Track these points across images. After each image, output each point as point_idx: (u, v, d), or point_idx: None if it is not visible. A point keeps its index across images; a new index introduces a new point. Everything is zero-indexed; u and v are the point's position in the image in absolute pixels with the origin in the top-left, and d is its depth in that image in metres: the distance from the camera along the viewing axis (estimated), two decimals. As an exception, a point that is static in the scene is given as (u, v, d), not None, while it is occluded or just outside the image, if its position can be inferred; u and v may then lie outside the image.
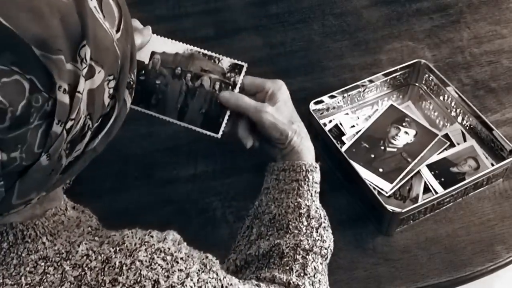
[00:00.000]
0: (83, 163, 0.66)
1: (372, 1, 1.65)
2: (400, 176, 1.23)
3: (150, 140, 1.34)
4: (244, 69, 1.00)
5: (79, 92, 0.58)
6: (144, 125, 1.35)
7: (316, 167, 0.99)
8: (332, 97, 1.32)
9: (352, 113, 1.36)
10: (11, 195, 0.60)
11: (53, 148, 0.59)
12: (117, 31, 0.64)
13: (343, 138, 1.31)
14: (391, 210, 1.11)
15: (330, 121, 1.34)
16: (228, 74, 1.01)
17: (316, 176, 0.98)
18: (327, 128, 1.31)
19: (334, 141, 1.22)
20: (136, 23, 1.02)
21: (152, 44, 1.03)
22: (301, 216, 0.94)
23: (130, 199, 1.24)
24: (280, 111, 0.98)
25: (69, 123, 0.59)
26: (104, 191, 1.24)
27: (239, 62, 1.01)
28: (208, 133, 1.01)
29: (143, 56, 1.03)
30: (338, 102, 1.34)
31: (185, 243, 0.77)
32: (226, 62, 1.01)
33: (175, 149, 1.33)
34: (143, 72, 1.03)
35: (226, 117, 1.00)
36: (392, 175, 1.23)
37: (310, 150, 1.00)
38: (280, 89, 1.00)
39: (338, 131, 1.33)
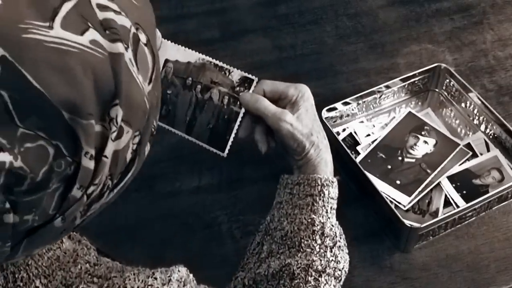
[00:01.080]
0: (92, 216, 0.65)
1: (388, 1, 1.66)
2: (419, 189, 1.24)
3: (152, 150, 1.33)
4: (254, 84, 1.02)
5: (105, 156, 0.57)
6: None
7: (332, 182, 0.99)
8: (346, 104, 1.33)
9: (367, 121, 1.37)
10: (16, 252, 0.59)
11: (69, 211, 0.58)
12: (149, 83, 0.61)
13: (358, 148, 1.32)
14: (409, 225, 1.12)
15: (344, 130, 1.35)
16: (238, 88, 1.02)
17: (333, 191, 0.99)
18: (340, 137, 1.32)
19: (348, 151, 1.22)
20: None
21: (166, 52, 1.05)
22: (315, 233, 0.94)
23: (130, 213, 1.25)
24: (300, 119, 0.99)
25: (91, 188, 0.58)
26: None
27: (250, 76, 1.02)
28: (214, 150, 1.04)
29: None
30: (353, 109, 1.35)
31: (192, 280, 0.77)
32: (236, 74, 1.03)
33: (178, 159, 1.34)
34: None
35: (233, 135, 1.02)
36: (410, 188, 1.24)
37: (327, 164, 1.01)
38: (304, 95, 1.01)
39: (352, 141, 1.33)
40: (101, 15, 0.55)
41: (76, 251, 0.73)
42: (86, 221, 0.64)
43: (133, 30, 0.58)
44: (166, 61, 1.05)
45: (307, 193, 0.97)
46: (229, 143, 1.02)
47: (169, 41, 1.05)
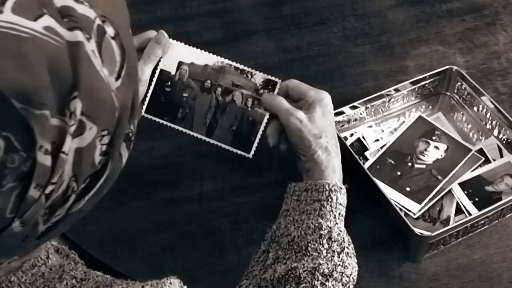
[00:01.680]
0: (64, 226, 0.63)
1: (397, 1, 1.66)
2: (430, 196, 1.24)
3: (151, 156, 1.36)
4: (278, 86, 1.06)
5: (64, 152, 0.55)
6: (145, 139, 1.36)
7: (341, 188, 1.01)
8: (354, 107, 1.33)
9: (376, 126, 1.37)
10: None
11: (28, 214, 0.56)
12: (117, 78, 0.59)
13: (366, 153, 1.32)
14: (419, 234, 1.12)
15: (352, 135, 1.35)
16: (261, 91, 1.06)
17: (341, 197, 1.00)
18: (348, 142, 1.32)
19: (356, 156, 1.23)
20: (153, 34, 1.06)
21: (179, 54, 1.08)
22: (322, 237, 0.96)
23: (129, 221, 1.26)
24: (312, 120, 1.02)
25: (49, 188, 0.55)
26: (100, 212, 1.25)
27: (273, 78, 1.06)
28: (239, 152, 1.07)
29: (170, 66, 1.08)
30: (361, 114, 1.35)
31: None
32: (259, 77, 1.07)
33: (178, 165, 1.35)
34: (170, 83, 1.08)
35: (259, 136, 1.06)
36: (420, 195, 1.24)
37: (335, 170, 1.03)
38: (322, 101, 1.04)
39: (360, 146, 1.34)
40: (59, 2, 0.54)
41: (63, 266, 0.72)
42: (56, 230, 0.62)
43: (98, 21, 0.57)
44: (180, 63, 1.08)
45: (314, 199, 0.99)
46: (255, 144, 1.06)
47: (182, 43, 1.08)
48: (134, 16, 1.65)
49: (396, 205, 1.19)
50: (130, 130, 0.65)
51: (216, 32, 1.60)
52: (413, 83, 1.36)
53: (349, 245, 0.98)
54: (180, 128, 1.09)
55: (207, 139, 1.08)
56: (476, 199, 1.24)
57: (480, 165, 1.29)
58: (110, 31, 0.59)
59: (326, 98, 1.05)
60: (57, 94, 0.53)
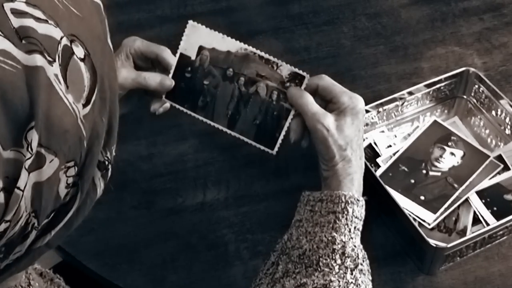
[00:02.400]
0: (30, 261, 0.61)
1: (411, -2, 1.67)
2: (445, 205, 1.25)
3: (151, 163, 1.37)
4: (306, 81, 1.05)
5: (18, 188, 0.52)
6: (144, 146, 1.37)
7: (358, 200, 1.01)
8: (365, 111, 1.33)
9: (388, 131, 1.38)
10: None
11: None
12: (86, 104, 0.56)
13: (378, 160, 1.33)
14: (434, 245, 1.13)
15: (363, 140, 1.35)
16: (288, 84, 1.06)
17: (358, 210, 1.01)
18: (359, 149, 1.32)
19: (368, 163, 1.23)
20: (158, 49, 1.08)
21: (200, 38, 1.08)
22: (335, 252, 0.96)
23: (127, 232, 1.27)
24: (340, 129, 1.02)
25: (2, 226, 0.53)
26: (97, 222, 1.26)
27: (301, 72, 1.06)
28: (262, 147, 1.08)
29: (190, 50, 1.09)
30: (372, 118, 1.36)
31: None
32: (285, 69, 1.06)
33: (180, 173, 1.35)
34: (189, 69, 1.09)
35: (283, 132, 1.06)
36: (435, 204, 1.25)
37: (353, 181, 1.03)
38: (355, 107, 1.04)
39: (372, 152, 1.34)
40: (16, 22, 0.51)
41: None
42: (20, 265, 0.60)
43: (64, 42, 0.54)
44: (201, 48, 1.08)
45: (329, 210, 0.99)
46: (279, 141, 1.06)
47: (204, 26, 1.08)
48: (133, 15, 1.67)
49: (410, 215, 1.19)
50: (105, 158, 0.63)
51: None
52: (428, 86, 1.37)
53: (363, 261, 0.98)
54: (201, 118, 1.10)
55: (229, 131, 1.09)
56: (495, 208, 1.24)
57: (498, 173, 1.29)
58: (79, 52, 0.56)
59: (359, 105, 1.04)
60: (10, 125, 0.50)
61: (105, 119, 0.60)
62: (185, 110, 1.10)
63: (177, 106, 1.10)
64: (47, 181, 0.54)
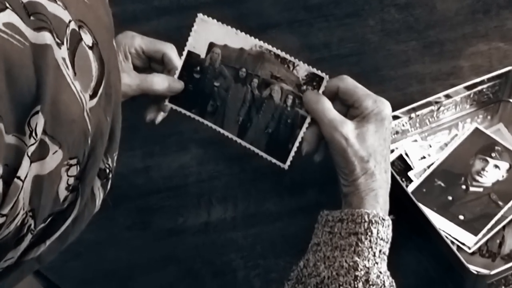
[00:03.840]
0: (19, 275, 0.62)
1: (449, -13, 1.67)
2: (488, 226, 1.25)
3: (147, 177, 1.38)
4: (324, 83, 1.05)
5: (19, 177, 0.53)
6: (139, 157, 1.38)
7: (383, 220, 1.00)
8: (395, 118, 1.34)
9: (422, 140, 1.38)
10: None
11: None
12: (93, 96, 0.58)
13: (410, 173, 1.33)
14: (475, 272, 1.13)
15: (392, 151, 1.36)
16: (304, 87, 1.06)
17: (383, 230, 1.00)
18: (387, 160, 1.33)
19: (398, 177, 1.23)
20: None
21: (211, 33, 1.09)
22: (357, 280, 0.95)
23: (120, 256, 1.28)
24: (361, 138, 1.01)
25: None
26: (85, 245, 1.26)
27: (319, 73, 1.06)
28: (273, 160, 1.08)
29: (199, 47, 1.10)
30: (403, 125, 1.36)
31: None
32: (302, 70, 1.06)
33: (181, 189, 1.37)
34: (199, 68, 1.10)
35: (297, 143, 1.06)
36: (477, 224, 1.25)
37: (378, 198, 1.02)
38: (380, 113, 1.03)
39: (403, 165, 1.35)
40: None
41: None
42: (5, 280, 0.61)
43: (72, 25, 0.56)
44: (212, 45, 1.09)
45: (350, 231, 0.99)
46: (292, 153, 1.06)
47: (213, 19, 1.08)
48: (127, 6, 1.68)
49: (447, 237, 1.20)
50: (107, 165, 0.65)
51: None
52: (468, 88, 1.37)
53: None
54: (210, 124, 1.10)
55: (239, 140, 1.09)
56: (546, 229, 1.24)
57: (550, 188, 1.29)
58: (87, 39, 0.58)
59: (385, 110, 1.03)
60: (15, 106, 0.51)
61: (109, 118, 0.62)
62: (192, 116, 1.11)
63: (183, 111, 1.11)
64: (48, 176, 0.55)
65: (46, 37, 0.53)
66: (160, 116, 1.13)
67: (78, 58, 0.56)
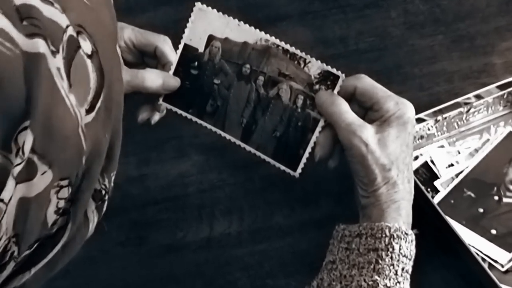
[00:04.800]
0: None
1: (480, -26, 1.67)
2: (524, 242, 1.25)
3: (143, 187, 1.38)
4: (340, 83, 1.05)
5: (1, 200, 0.52)
6: (133, 164, 1.38)
7: (406, 234, 1.00)
8: (420, 120, 1.34)
9: (449, 146, 1.38)
10: None
11: None
12: (89, 110, 0.58)
13: (436, 183, 1.33)
14: (509, 293, 1.13)
15: (417, 158, 1.36)
16: (317, 86, 1.06)
17: (406, 246, 1.00)
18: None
19: (422, 187, 1.24)
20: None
21: (210, 25, 1.09)
22: None
23: (113, 274, 1.28)
24: (383, 144, 1.01)
25: None
26: (75, 263, 1.25)
27: (334, 71, 1.05)
28: (282, 167, 1.08)
29: (197, 40, 1.10)
30: (429, 129, 1.36)
31: None
32: (315, 67, 1.06)
33: (180, 199, 1.37)
34: (196, 64, 1.10)
35: (309, 149, 1.06)
36: (510, 240, 1.25)
37: (401, 212, 1.02)
38: (402, 116, 1.03)
39: (428, 173, 1.35)
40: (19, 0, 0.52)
41: None
42: None
43: (70, 31, 0.56)
44: (211, 38, 1.09)
45: (369, 247, 0.99)
46: (304, 159, 1.06)
47: (213, 9, 1.08)
48: (120, -3, 1.64)
49: (478, 254, 1.20)
50: (103, 186, 0.65)
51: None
52: (501, 88, 1.37)
53: None
54: (209, 126, 1.10)
55: (242, 145, 1.09)
56: None
57: None
58: (86, 46, 0.57)
59: (408, 112, 1.03)
60: (1, 120, 0.50)
61: (108, 135, 0.61)
62: (189, 117, 1.11)
63: (179, 112, 1.11)
64: (35, 198, 0.54)
65: (39, 45, 0.52)
66: (157, 116, 1.14)
67: (75, 69, 0.56)
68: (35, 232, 0.57)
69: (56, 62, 0.54)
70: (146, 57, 1.12)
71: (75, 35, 0.56)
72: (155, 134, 1.30)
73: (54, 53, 0.53)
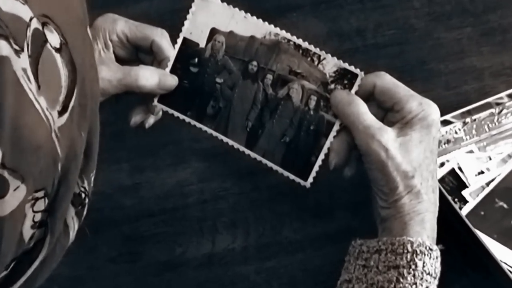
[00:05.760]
0: None
1: (513, -41, 1.67)
2: (562, 258, 1.25)
3: (137, 197, 1.39)
4: (358, 81, 1.04)
5: None
6: (126, 172, 1.39)
7: (431, 250, 1.00)
8: (446, 123, 1.35)
9: (479, 151, 1.38)
10: None
11: None
12: (62, 111, 0.58)
13: (464, 192, 1.33)
14: (545, 316, 1.13)
15: (443, 164, 1.36)
16: (332, 85, 1.05)
17: (430, 263, 0.99)
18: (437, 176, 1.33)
19: (449, 197, 1.24)
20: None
21: (213, 17, 1.08)
22: None
23: (103, 295, 1.28)
24: (405, 149, 1.01)
25: None
26: (61, 281, 1.27)
27: (352, 69, 1.05)
28: (292, 177, 1.07)
29: (198, 34, 1.09)
30: (456, 132, 1.36)
31: None
32: (330, 64, 1.06)
33: (179, 211, 1.37)
34: (196, 60, 1.10)
35: (322, 155, 1.05)
36: (548, 256, 1.25)
37: (425, 225, 1.01)
38: (426, 118, 1.02)
39: (455, 181, 1.35)
40: None
41: None
42: None
43: (34, 24, 0.55)
44: (214, 31, 1.08)
45: (390, 265, 0.98)
46: (316, 167, 1.06)
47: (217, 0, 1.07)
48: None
49: (510, 271, 1.19)
50: (82, 189, 0.65)
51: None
52: (536, 86, 1.37)
53: None
54: (210, 131, 1.09)
55: (247, 151, 1.08)
56: None
57: None
58: (53, 39, 0.57)
59: (431, 114, 1.03)
60: None
61: (84, 134, 0.61)
62: (187, 120, 1.10)
63: (176, 114, 1.11)
64: (9, 216, 0.54)
65: (1, 47, 0.51)
66: (152, 119, 1.13)
67: (43, 67, 0.55)
68: (11, 252, 0.57)
69: (22, 63, 0.53)
70: (141, 53, 1.12)
71: (40, 28, 0.55)
72: (151, 138, 1.30)
73: (18, 53, 0.53)
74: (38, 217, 0.58)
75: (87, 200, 0.66)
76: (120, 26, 1.08)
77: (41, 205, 0.58)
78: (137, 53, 1.12)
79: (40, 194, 0.57)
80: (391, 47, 1.54)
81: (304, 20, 1.58)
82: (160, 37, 1.08)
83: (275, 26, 1.06)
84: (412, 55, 1.53)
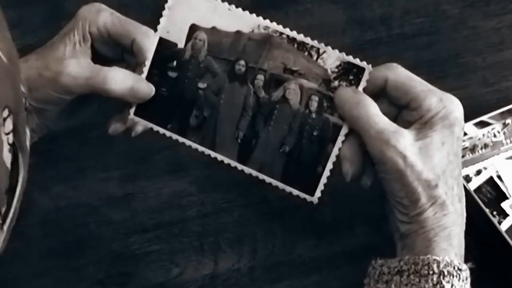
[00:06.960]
0: None
1: None
2: None
3: (129, 210, 1.39)
4: (366, 76, 1.02)
5: None
6: (116, 181, 1.39)
7: (460, 270, 0.99)
8: (484, 124, 1.35)
9: (522, 157, 1.39)
10: None
11: None
12: None
13: (504, 205, 1.33)
14: None
15: (479, 172, 1.36)
16: (336, 82, 1.03)
17: (460, 285, 0.98)
18: (472, 186, 1.34)
19: (486, 210, 1.24)
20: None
21: (193, 11, 1.06)
22: None
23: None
24: (425, 154, 0.99)
25: None
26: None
27: (357, 62, 1.03)
28: (296, 192, 1.05)
29: (176, 32, 1.06)
30: (495, 135, 1.36)
31: None
32: (332, 58, 1.03)
33: (176, 226, 1.38)
34: (175, 64, 1.07)
35: (330, 164, 1.03)
36: None
37: (452, 241, 1.00)
38: (449, 115, 1.00)
39: (494, 192, 1.35)
40: None
41: None
42: None
43: None
44: (194, 28, 1.06)
45: (414, 287, 0.98)
46: (323, 179, 1.04)
47: None
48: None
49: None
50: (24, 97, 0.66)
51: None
52: None
53: None
54: (194, 145, 1.07)
55: (240, 166, 1.06)
56: None
57: None
58: None
59: (454, 112, 1.00)
60: None
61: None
62: (168, 134, 1.07)
63: (155, 128, 1.08)
64: None
65: None
66: (141, 127, 1.10)
67: None
68: (4, 182, 0.59)
69: None
70: (126, 53, 1.10)
71: None
72: (144, 143, 1.30)
73: None
74: (10, 139, 0.60)
75: (27, 104, 0.66)
76: (102, 17, 1.05)
77: (9, 125, 0.59)
78: (122, 53, 1.10)
79: (5, 112, 0.58)
80: (420, 37, 1.55)
81: (320, 8, 1.59)
82: (143, 36, 1.05)
83: (264, 18, 1.03)
84: (444, 46, 1.54)
